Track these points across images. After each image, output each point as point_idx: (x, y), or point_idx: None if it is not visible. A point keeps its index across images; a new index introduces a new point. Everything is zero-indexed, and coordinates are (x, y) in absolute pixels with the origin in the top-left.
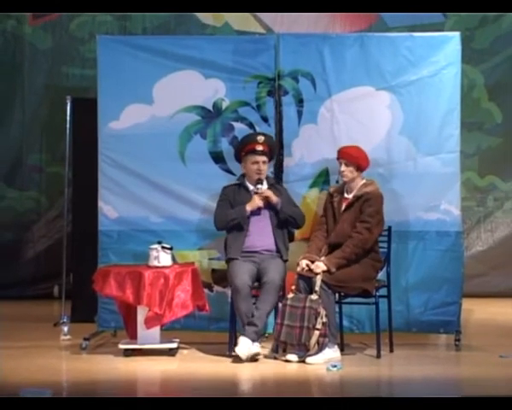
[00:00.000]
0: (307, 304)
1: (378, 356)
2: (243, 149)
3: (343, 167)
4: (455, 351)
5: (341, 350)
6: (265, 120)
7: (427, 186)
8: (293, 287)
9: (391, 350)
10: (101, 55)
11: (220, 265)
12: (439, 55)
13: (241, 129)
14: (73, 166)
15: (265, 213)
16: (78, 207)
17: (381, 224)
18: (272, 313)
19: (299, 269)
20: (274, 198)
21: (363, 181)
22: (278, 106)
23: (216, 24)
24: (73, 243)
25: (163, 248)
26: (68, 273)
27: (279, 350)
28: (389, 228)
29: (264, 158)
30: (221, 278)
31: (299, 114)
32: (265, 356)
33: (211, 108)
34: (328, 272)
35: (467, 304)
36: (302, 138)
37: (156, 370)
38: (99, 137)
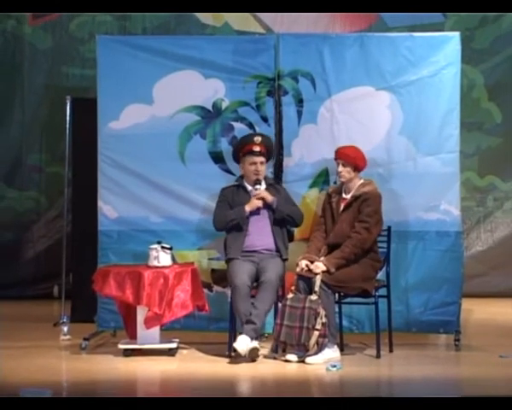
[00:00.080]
0: (307, 304)
1: (378, 356)
2: (241, 150)
3: (340, 168)
4: (455, 351)
5: (341, 350)
6: (265, 120)
7: (426, 186)
8: (293, 287)
9: (390, 350)
10: (101, 55)
11: (220, 265)
12: (438, 55)
13: (240, 129)
14: (73, 166)
15: (265, 213)
16: (77, 207)
17: (379, 223)
18: (272, 313)
19: (298, 269)
20: (269, 198)
21: (361, 181)
22: (278, 106)
23: (216, 24)
24: (73, 243)
25: (163, 248)
26: (68, 273)
27: (279, 350)
28: (389, 228)
29: (261, 159)
30: (221, 278)
31: (299, 114)
32: (265, 356)
33: (210, 108)
34: (327, 272)
35: (466, 304)
36: (302, 138)
37: (156, 370)
38: (99, 137)
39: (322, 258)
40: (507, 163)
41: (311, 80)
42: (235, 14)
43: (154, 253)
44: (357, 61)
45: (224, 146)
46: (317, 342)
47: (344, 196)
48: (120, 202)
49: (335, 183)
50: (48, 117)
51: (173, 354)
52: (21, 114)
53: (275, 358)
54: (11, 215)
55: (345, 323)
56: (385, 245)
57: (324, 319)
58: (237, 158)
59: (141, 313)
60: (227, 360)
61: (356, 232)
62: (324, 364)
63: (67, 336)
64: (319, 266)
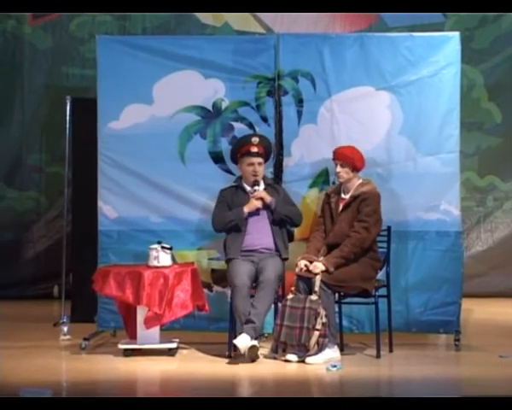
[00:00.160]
0: (307, 305)
1: (378, 356)
2: (238, 151)
3: (339, 168)
4: (454, 351)
5: (341, 350)
6: (265, 120)
7: (426, 186)
8: (293, 288)
9: (390, 350)
10: (101, 55)
11: (220, 265)
12: (438, 55)
13: (240, 129)
14: (73, 166)
15: (264, 213)
16: (77, 207)
17: (378, 223)
18: (272, 314)
19: (297, 270)
20: (268, 198)
21: (360, 181)
22: (278, 106)
23: (216, 24)
24: (73, 243)
25: (163, 248)
26: (68, 273)
27: (279, 351)
28: (389, 228)
29: (259, 159)
30: (220, 278)
31: (299, 114)
32: (265, 356)
33: (210, 108)
34: (326, 271)
35: (467, 304)
36: (302, 138)
37: (156, 370)
38: (99, 137)
39: (321, 258)
40: (507, 163)
41: (311, 80)
42: (235, 14)
43: (154, 253)
44: (357, 61)
45: (224, 146)
46: (318, 343)
47: (343, 196)
48: (120, 202)
49: (334, 183)
50: (48, 117)
51: (173, 354)
52: (21, 114)
53: (275, 358)
54: (11, 215)
55: (345, 323)
56: (385, 245)
57: (324, 319)
58: (235, 159)
59: (141, 313)
60: (227, 360)
61: (355, 232)
62: (324, 364)
63: (67, 336)
64: (318, 266)
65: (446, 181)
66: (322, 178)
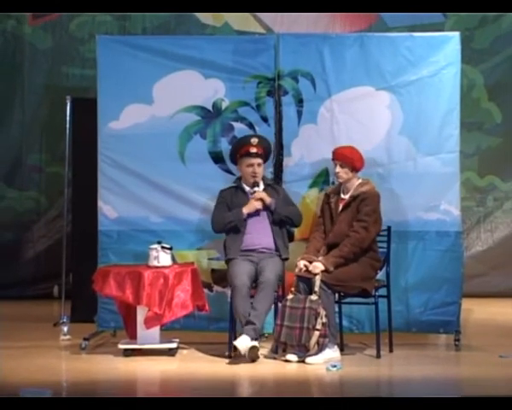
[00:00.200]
0: (307, 305)
1: (378, 356)
2: (238, 151)
3: (338, 169)
4: (454, 351)
5: (341, 350)
6: (265, 120)
7: (426, 186)
8: (293, 288)
9: (390, 350)
10: (101, 55)
11: (220, 265)
12: (438, 55)
13: (240, 129)
14: (73, 166)
15: (264, 213)
16: (77, 207)
17: (378, 222)
18: (272, 314)
19: (297, 270)
20: (267, 200)
21: (359, 181)
22: (278, 106)
23: (216, 24)
24: (73, 243)
25: (163, 248)
26: (68, 273)
27: (279, 351)
28: (389, 228)
29: (258, 160)
30: (221, 278)
31: (299, 114)
32: (265, 356)
33: (210, 108)
34: (326, 271)
35: (467, 304)
36: (302, 138)
37: (156, 370)
38: (99, 137)
39: (320, 257)
40: (507, 163)
41: (311, 80)
42: (235, 14)
43: (154, 253)
44: (357, 61)
45: (224, 146)
46: (318, 343)
47: (342, 196)
48: (120, 202)
49: (333, 183)
50: (48, 117)
51: (173, 354)
52: (21, 114)
53: (275, 358)
54: (11, 215)
55: (345, 323)
56: (385, 245)
57: (325, 319)
58: (234, 160)
59: (141, 313)
60: (227, 360)
61: (354, 231)
62: (324, 364)
63: (67, 336)
64: (317, 267)
65: (446, 181)
66: (322, 178)
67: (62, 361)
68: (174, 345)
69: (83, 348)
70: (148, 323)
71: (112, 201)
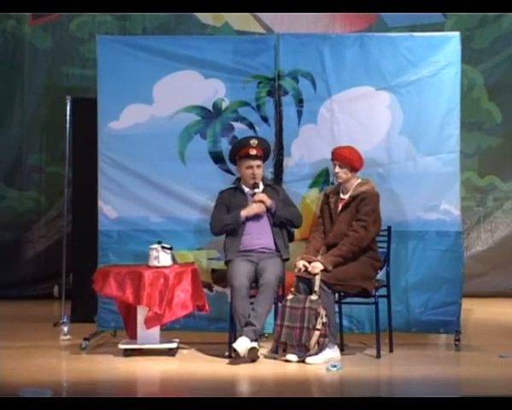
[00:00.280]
0: (307, 305)
1: (378, 356)
2: (237, 153)
3: (337, 169)
4: (455, 351)
5: (341, 350)
6: (265, 120)
7: (426, 186)
8: (293, 288)
9: (391, 350)
10: (101, 55)
11: (220, 265)
12: (438, 55)
13: (240, 129)
14: (73, 166)
15: (264, 213)
16: (78, 207)
17: (377, 222)
18: (272, 314)
19: (296, 270)
20: (268, 202)
21: (359, 181)
22: (278, 106)
23: (216, 24)
24: (73, 243)
25: (163, 248)
26: (68, 273)
27: (279, 351)
28: (389, 228)
29: (258, 162)
30: (221, 278)
31: (299, 114)
32: (265, 356)
33: (211, 108)
34: (325, 270)
35: (467, 304)
36: (302, 138)
37: (156, 370)
38: (99, 137)
39: (319, 257)
40: (507, 163)
41: (311, 80)
42: (235, 14)
43: (154, 253)
44: (357, 61)
45: (224, 146)
46: (318, 342)
47: (342, 196)
48: (120, 201)
49: (332, 183)
50: (48, 117)
51: (173, 354)
52: (21, 114)
53: (275, 358)
54: (11, 215)
55: (345, 323)
56: (385, 245)
57: (325, 319)
58: (234, 161)
59: (141, 313)
60: (227, 360)
61: (353, 231)
62: (324, 364)
63: (67, 336)
64: (317, 267)
65: (446, 181)
66: (322, 178)
67: (62, 361)
68: (174, 345)
69: (83, 348)
70: (149, 323)
71: (112, 201)
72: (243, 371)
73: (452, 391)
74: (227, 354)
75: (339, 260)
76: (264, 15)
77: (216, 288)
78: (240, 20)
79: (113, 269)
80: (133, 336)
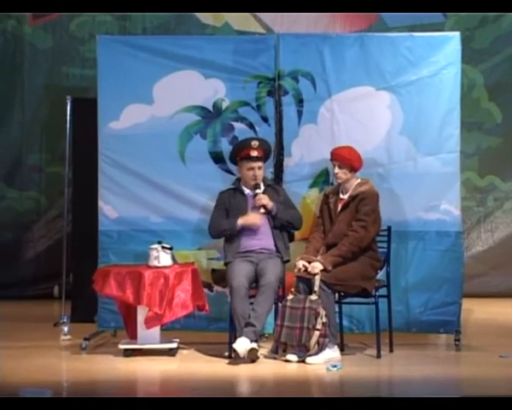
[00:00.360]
0: (307, 305)
1: (378, 356)
2: (238, 154)
3: (337, 169)
4: (455, 351)
5: (341, 350)
6: (265, 120)
7: (426, 186)
8: (293, 289)
9: (391, 350)
10: (101, 55)
11: (220, 265)
12: (438, 55)
13: (241, 129)
14: (73, 166)
15: (264, 215)
16: (78, 207)
17: (377, 222)
18: (272, 314)
19: (295, 270)
20: (269, 205)
21: (358, 181)
22: (278, 106)
23: (216, 24)
24: (73, 243)
25: (163, 248)
26: (68, 273)
27: (279, 351)
28: (389, 228)
29: (259, 164)
30: (221, 278)
31: (299, 114)
32: (265, 357)
33: (211, 108)
34: (324, 270)
35: (467, 304)
36: (302, 138)
37: (156, 370)
38: (99, 137)
39: (318, 257)
40: (507, 163)
41: (311, 80)
42: (235, 14)
43: (154, 253)
44: (357, 61)
45: (225, 146)
46: (318, 342)
47: (341, 196)
48: (120, 201)
49: (332, 183)
50: (48, 117)
51: (173, 354)
52: (21, 114)
53: (275, 358)
54: (11, 215)
55: (345, 323)
56: (385, 245)
57: (325, 319)
58: (235, 162)
59: (141, 313)
60: (227, 360)
61: (353, 230)
62: (324, 364)
63: (68, 336)
64: (316, 267)
65: (446, 181)
66: (322, 178)
67: (62, 361)
68: (174, 345)
69: (83, 348)
70: (149, 323)
71: (112, 201)
72: (243, 371)
73: (452, 391)
74: (227, 354)
75: (338, 260)
76: (264, 15)
77: (216, 288)
78: (240, 20)
79: (113, 269)
80: (133, 337)
